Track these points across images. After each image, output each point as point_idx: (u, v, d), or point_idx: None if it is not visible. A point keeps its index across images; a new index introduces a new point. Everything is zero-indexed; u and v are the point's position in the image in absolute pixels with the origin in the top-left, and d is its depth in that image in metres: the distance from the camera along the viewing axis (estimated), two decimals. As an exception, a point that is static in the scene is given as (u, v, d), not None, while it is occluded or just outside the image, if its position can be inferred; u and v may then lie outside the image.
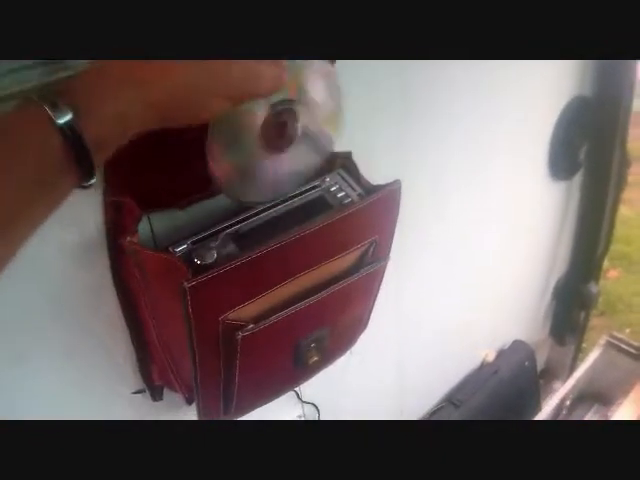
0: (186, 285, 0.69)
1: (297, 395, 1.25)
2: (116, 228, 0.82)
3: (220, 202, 0.91)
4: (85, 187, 0.54)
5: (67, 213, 0.78)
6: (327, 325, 0.90)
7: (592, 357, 2.36)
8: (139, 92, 0.53)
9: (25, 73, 0.69)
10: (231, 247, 0.78)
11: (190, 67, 0.56)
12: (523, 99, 1.59)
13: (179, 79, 0.55)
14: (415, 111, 1.25)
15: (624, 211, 2.21)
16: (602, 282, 2.35)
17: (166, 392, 1.02)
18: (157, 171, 0.80)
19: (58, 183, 0.51)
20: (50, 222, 0.75)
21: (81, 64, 0.68)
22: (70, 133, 0.49)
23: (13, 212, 0.49)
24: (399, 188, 0.85)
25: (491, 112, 1.49)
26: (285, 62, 0.65)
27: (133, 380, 0.99)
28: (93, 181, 0.53)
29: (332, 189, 0.86)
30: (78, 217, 0.80)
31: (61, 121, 0.48)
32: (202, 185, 0.82)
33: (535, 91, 1.63)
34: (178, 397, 0.99)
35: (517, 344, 2.16)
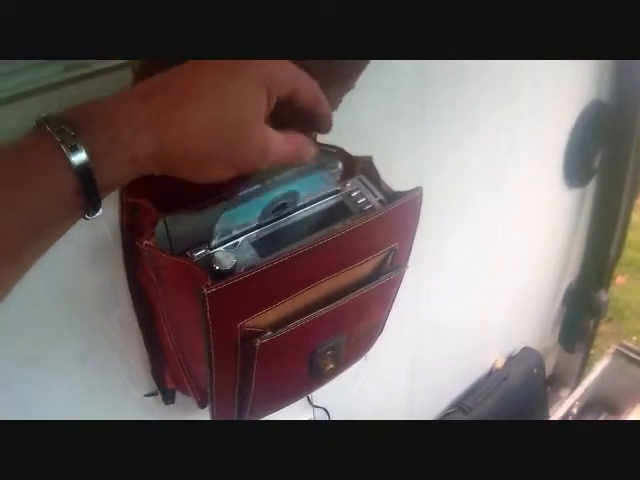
0: (205, 292, 0.68)
1: (308, 399, 1.25)
2: (132, 230, 0.81)
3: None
4: (88, 219, 0.53)
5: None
6: (344, 332, 0.89)
7: (601, 365, 2.36)
8: (155, 141, 0.52)
9: (30, 74, 0.68)
10: (250, 253, 0.77)
11: (211, 128, 0.54)
12: (540, 105, 1.59)
13: (197, 141, 0.54)
14: (433, 117, 1.25)
15: (634, 217, 2.20)
16: (610, 288, 2.34)
17: (178, 395, 1.01)
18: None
19: (64, 218, 0.51)
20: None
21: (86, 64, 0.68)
22: (84, 174, 0.48)
23: (18, 243, 0.48)
24: (420, 195, 0.84)
25: (508, 118, 1.49)
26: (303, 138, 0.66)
27: (145, 383, 0.99)
28: (98, 214, 0.52)
29: (353, 195, 0.84)
30: (94, 219, 0.79)
31: (76, 162, 0.47)
32: (219, 188, 0.82)
33: (551, 97, 1.63)
34: (190, 400, 0.98)
35: (526, 351, 2.16)
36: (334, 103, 0.86)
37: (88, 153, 0.48)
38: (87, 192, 0.49)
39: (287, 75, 0.59)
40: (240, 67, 0.56)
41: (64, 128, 0.47)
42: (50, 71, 0.69)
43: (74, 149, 0.47)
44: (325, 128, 0.69)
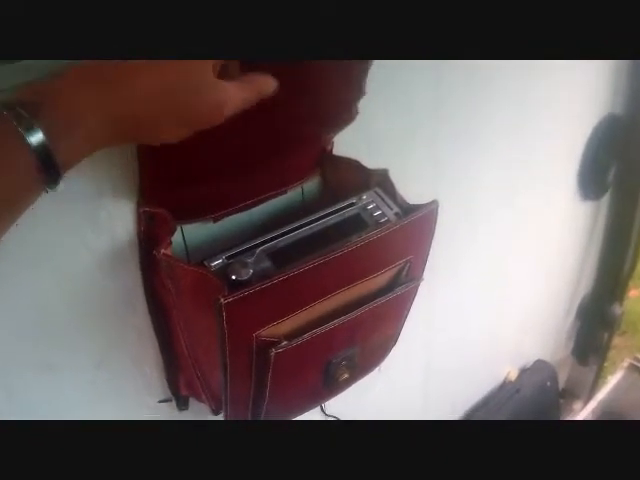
0: (222, 301, 0.68)
1: (321, 408, 1.25)
2: (149, 239, 0.82)
3: (254, 216, 0.91)
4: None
5: (99, 222, 0.78)
6: (358, 343, 0.89)
7: (614, 379, 2.34)
8: (107, 113, 0.53)
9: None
10: (267, 263, 0.78)
11: (158, 91, 0.55)
12: (554, 119, 1.58)
13: (147, 105, 0.55)
14: (448, 131, 1.25)
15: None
16: (624, 302, 2.32)
17: (192, 401, 1.01)
18: (191, 183, 0.80)
19: (26, 194, 0.51)
20: (82, 231, 0.76)
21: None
22: (43, 153, 0.49)
23: None
24: (436, 208, 0.84)
25: (522, 131, 1.49)
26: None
27: (160, 389, 0.99)
28: (59, 187, 0.52)
29: (368, 207, 0.85)
30: (111, 227, 0.80)
31: (33, 141, 0.48)
32: (236, 198, 0.82)
33: (566, 111, 1.63)
34: (204, 407, 0.98)
35: (539, 363, 2.15)
36: (350, 110, 0.86)
37: (45, 132, 0.48)
38: (47, 170, 0.50)
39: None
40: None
41: (20, 112, 0.48)
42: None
43: (31, 130, 0.48)
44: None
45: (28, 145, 0.48)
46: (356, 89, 0.84)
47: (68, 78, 0.53)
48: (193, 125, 0.60)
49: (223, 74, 0.62)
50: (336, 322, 0.81)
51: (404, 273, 0.88)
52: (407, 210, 0.85)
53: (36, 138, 0.48)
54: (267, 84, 0.66)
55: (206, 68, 0.58)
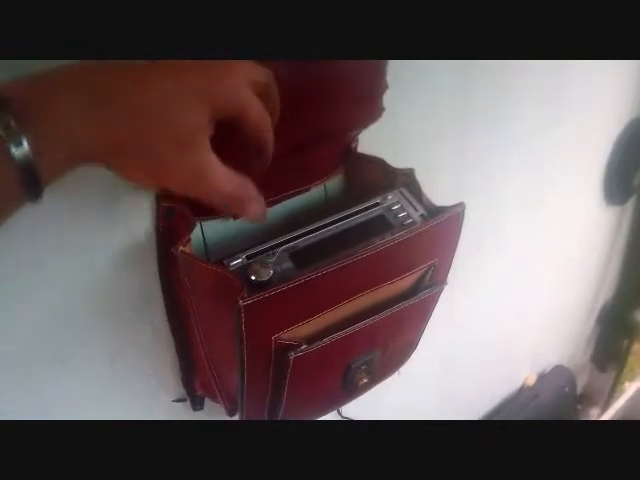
0: (241, 303, 0.66)
1: (337, 410, 1.23)
2: (167, 235, 0.80)
3: (275, 214, 0.89)
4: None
5: (117, 218, 0.77)
6: (379, 348, 0.87)
7: (633, 386, 2.32)
8: (92, 135, 0.50)
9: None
10: (288, 264, 0.76)
11: (144, 129, 0.53)
12: (580, 123, 1.57)
13: (130, 139, 0.52)
14: (474, 132, 1.23)
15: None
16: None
17: (206, 401, 1.00)
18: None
19: (6, 206, 0.49)
20: (100, 226, 0.75)
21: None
22: (26, 168, 0.47)
23: None
24: (463, 211, 0.82)
25: (548, 135, 1.47)
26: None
27: (174, 388, 0.98)
28: (39, 201, 0.50)
29: (393, 208, 0.83)
30: (128, 222, 0.79)
31: (19, 156, 0.46)
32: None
33: (592, 115, 1.61)
34: (218, 407, 0.97)
35: (558, 369, 2.13)
36: (376, 106, 0.84)
37: (31, 148, 0.46)
38: (30, 185, 0.47)
39: (236, 95, 0.57)
40: (189, 75, 0.55)
41: (10, 123, 0.46)
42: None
43: (18, 145, 0.46)
44: (263, 161, 0.65)
45: (12, 158, 0.46)
46: (379, 83, 0.81)
47: (62, 85, 0.51)
48: (165, 182, 0.57)
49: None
50: (357, 326, 0.79)
51: (428, 277, 0.86)
52: (433, 212, 0.83)
53: (21, 151, 0.46)
54: (252, 204, 0.62)
55: (200, 125, 0.55)
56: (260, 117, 0.60)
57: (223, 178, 0.57)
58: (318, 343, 0.76)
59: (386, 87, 0.83)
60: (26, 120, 0.47)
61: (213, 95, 0.55)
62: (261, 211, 0.63)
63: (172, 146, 0.54)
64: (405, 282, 0.84)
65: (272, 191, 0.84)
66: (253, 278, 0.72)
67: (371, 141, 0.92)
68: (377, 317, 0.81)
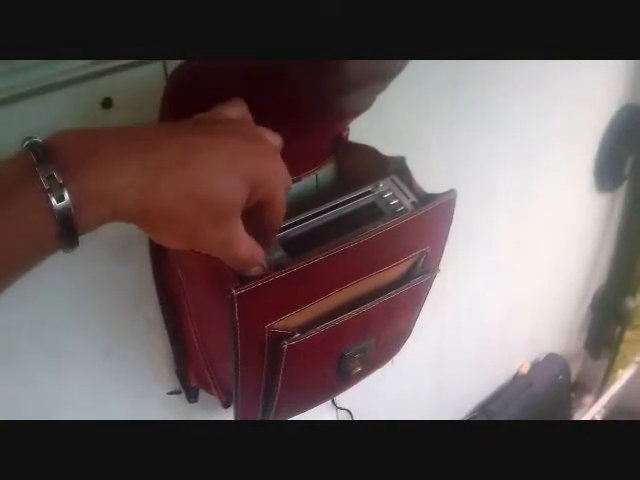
0: (234, 292, 0.66)
1: (332, 400, 1.24)
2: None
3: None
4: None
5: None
6: (372, 336, 0.87)
7: (626, 373, 2.33)
8: (138, 200, 0.50)
9: (57, 66, 0.68)
10: (280, 253, 0.75)
11: (191, 203, 0.53)
12: (571, 110, 1.58)
13: (174, 209, 0.53)
14: (464, 120, 1.24)
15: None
16: (638, 295, 2.31)
17: (201, 394, 1.00)
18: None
19: (39, 255, 0.49)
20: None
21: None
22: (65, 222, 0.46)
23: None
24: (454, 198, 0.82)
25: (539, 121, 1.48)
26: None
27: (169, 380, 0.98)
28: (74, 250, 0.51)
29: (385, 196, 0.83)
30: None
31: (60, 210, 0.46)
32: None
33: (583, 102, 1.62)
34: (213, 399, 0.97)
35: (552, 357, 2.14)
36: (368, 101, 0.85)
37: (73, 203, 0.46)
38: (66, 237, 0.48)
39: (274, 184, 0.59)
40: (241, 159, 0.55)
41: (53, 174, 0.45)
42: (76, 64, 0.68)
43: (60, 199, 0.45)
44: (266, 242, 0.67)
45: (52, 211, 0.46)
46: (384, 85, 0.82)
47: (112, 140, 0.51)
48: (198, 246, 0.59)
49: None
50: (350, 314, 0.79)
51: (420, 264, 0.86)
52: (424, 199, 0.83)
53: (62, 205, 0.46)
54: (255, 267, 0.67)
55: (240, 204, 0.56)
56: (282, 210, 0.62)
57: (245, 246, 0.61)
58: (311, 332, 0.76)
59: (387, 87, 0.83)
60: (71, 174, 0.47)
61: (259, 181, 0.56)
62: (260, 272, 0.68)
63: (211, 219, 0.55)
64: (397, 270, 0.83)
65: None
66: (246, 267, 0.72)
67: (362, 130, 0.92)
68: (370, 305, 0.81)
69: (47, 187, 0.45)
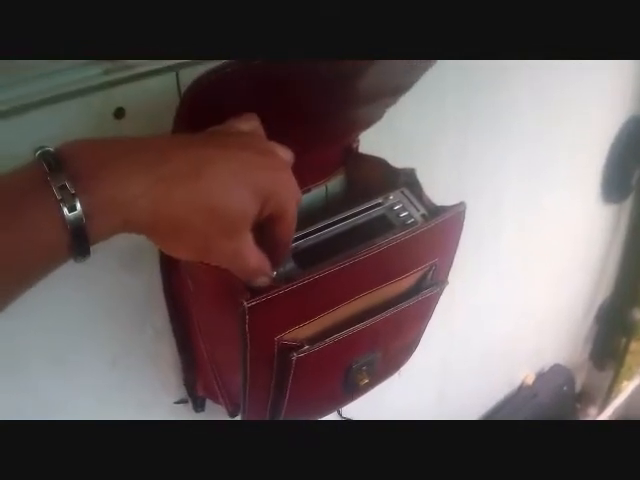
0: (245, 305, 0.66)
1: (337, 410, 1.23)
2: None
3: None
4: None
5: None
6: (380, 348, 0.87)
7: (631, 385, 2.32)
8: (149, 210, 0.51)
9: (70, 75, 0.68)
10: (290, 265, 0.75)
11: (202, 215, 0.54)
12: (579, 121, 1.57)
13: (185, 222, 0.53)
14: (474, 131, 1.24)
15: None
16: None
17: (208, 403, 1.00)
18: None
19: (50, 265, 0.49)
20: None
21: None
22: (77, 231, 0.47)
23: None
24: (464, 211, 0.82)
25: (547, 134, 1.48)
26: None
27: (176, 389, 0.98)
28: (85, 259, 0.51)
29: (395, 208, 0.83)
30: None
31: (72, 220, 0.46)
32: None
33: (591, 113, 1.62)
34: (220, 408, 0.97)
35: (557, 368, 2.13)
36: (379, 114, 0.85)
37: (85, 212, 0.46)
38: (77, 247, 0.48)
39: (285, 198, 0.59)
40: (252, 172, 0.56)
41: (65, 184, 0.46)
42: (89, 73, 0.69)
43: (72, 208, 0.46)
44: (277, 260, 0.67)
45: (64, 220, 0.46)
46: (395, 99, 0.82)
47: (124, 152, 0.51)
48: (208, 258, 0.59)
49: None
50: (359, 326, 0.79)
51: (429, 277, 0.86)
52: (434, 212, 0.83)
53: (73, 214, 0.46)
54: (262, 278, 0.66)
55: (251, 217, 0.57)
56: (293, 224, 0.63)
57: (254, 258, 0.61)
58: (320, 344, 0.76)
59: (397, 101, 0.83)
60: (83, 184, 0.47)
61: (270, 195, 0.57)
62: (267, 283, 0.67)
63: (221, 231, 0.56)
64: (406, 282, 0.84)
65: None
66: (256, 279, 0.72)
67: (372, 141, 0.92)
68: (378, 317, 0.81)
69: (59, 197, 0.45)
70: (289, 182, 0.60)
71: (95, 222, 0.47)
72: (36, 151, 0.48)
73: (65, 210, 0.45)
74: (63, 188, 0.46)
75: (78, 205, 0.46)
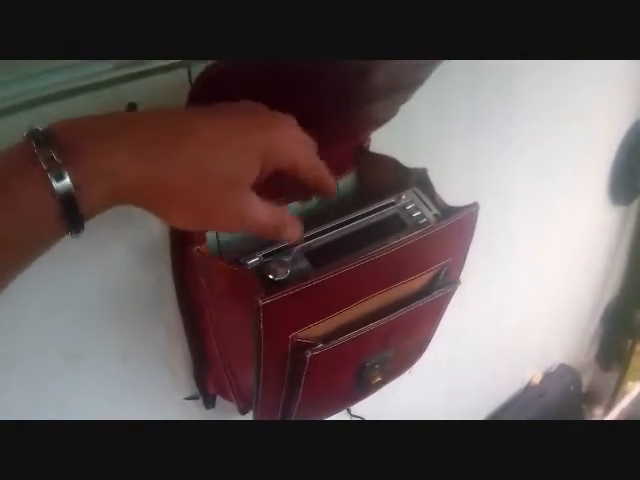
0: (260, 303, 0.66)
1: (347, 409, 1.24)
2: (182, 233, 0.80)
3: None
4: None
5: (132, 216, 0.77)
6: (392, 347, 0.87)
7: (637, 387, 2.33)
8: (137, 173, 0.51)
9: (80, 70, 0.68)
10: (304, 263, 0.76)
11: (193, 175, 0.53)
12: (587, 123, 1.57)
13: (176, 182, 0.53)
14: (483, 133, 1.24)
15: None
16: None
17: (218, 400, 1.00)
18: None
19: (46, 239, 0.50)
20: (116, 223, 0.75)
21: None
22: (67, 202, 0.47)
23: None
24: (477, 211, 0.82)
25: (555, 134, 1.48)
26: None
27: (187, 386, 0.98)
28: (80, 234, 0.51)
29: (407, 207, 0.83)
30: (143, 220, 0.79)
31: (60, 189, 0.46)
32: (270, 194, 0.80)
33: (599, 115, 1.62)
34: (230, 405, 0.97)
35: (563, 368, 2.13)
36: (391, 112, 0.85)
37: (73, 182, 0.47)
38: (70, 218, 0.48)
39: (288, 150, 0.59)
40: (242, 130, 0.56)
41: (52, 155, 0.46)
42: (100, 69, 0.69)
43: (59, 178, 0.46)
44: (326, 197, 0.68)
45: (53, 191, 0.46)
46: (406, 96, 0.82)
47: (111, 121, 0.52)
48: (210, 224, 0.59)
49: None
50: (372, 325, 0.79)
51: (441, 277, 0.86)
52: (446, 212, 0.83)
53: (62, 184, 0.47)
54: (290, 230, 0.65)
55: (250, 177, 0.57)
56: (314, 169, 0.63)
57: (263, 214, 0.60)
58: (334, 342, 0.77)
59: (409, 98, 0.83)
60: (69, 154, 0.47)
61: (267, 151, 0.57)
62: (297, 233, 0.66)
63: (218, 194, 0.55)
64: (419, 282, 0.84)
65: (284, 190, 0.84)
66: (271, 277, 0.72)
67: (383, 141, 0.92)
68: (391, 316, 0.81)
69: (46, 167, 0.46)
70: (288, 135, 0.59)
71: (85, 192, 0.48)
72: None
73: (53, 181, 0.46)
74: (50, 160, 0.46)
75: (66, 175, 0.46)
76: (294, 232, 0.65)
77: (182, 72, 0.72)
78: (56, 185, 0.46)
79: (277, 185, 0.62)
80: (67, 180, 0.46)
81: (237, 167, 0.55)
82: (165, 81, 0.73)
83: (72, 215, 0.48)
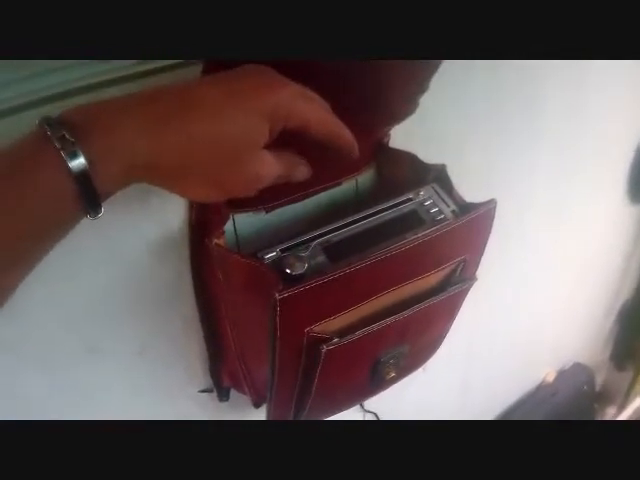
0: (277, 296, 0.67)
1: (360, 404, 1.24)
2: (200, 227, 0.81)
3: (306, 207, 0.89)
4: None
5: (151, 210, 0.77)
6: (408, 342, 0.87)
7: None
8: (150, 149, 0.52)
9: (102, 65, 0.68)
10: (322, 258, 0.76)
11: (204, 146, 0.54)
12: (605, 121, 1.56)
13: (189, 154, 0.54)
14: (503, 131, 1.24)
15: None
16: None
17: (232, 393, 1.01)
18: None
19: (65, 221, 0.51)
20: (133, 216, 0.75)
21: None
22: (82, 181, 0.48)
23: (20, 247, 0.48)
24: (494, 208, 0.82)
25: (574, 133, 1.47)
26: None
27: (201, 379, 0.99)
28: (100, 215, 0.51)
29: (425, 203, 0.83)
30: (162, 214, 0.80)
31: (75, 168, 0.47)
32: (289, 189, 0.81)
33: (617, 113, 1.60)
34: (244, 399, 0.98)
35: (577, 366, 2.12)
36: (410, 104, 0.84)
37: (87, 160, 0.47)
38: (86, 197, 0.49)
39: (295, 108, 0.58)
40: (246, 94, 0.56)
41: (64, 134, 0.47)
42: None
43: (73, 156, 0.47)
44: (347, 154, 0.68)
45: (69, 171, 0.47)
46: (421, 85, 0.81)
47: (120, 102, 0.52)
48: (228, 191, 0.59)
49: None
50: (388, 320, 0.79)
51: (458, 273, 0.86)
52: (464, 208, 0.83)
53: (76, 162, 0.47)
54: (298, 169, 0.67)
55: (259, 140, 0.57)
56: (322, 122, 0.62)
57: (276, 166, 0.61)
58: (349, 337, 0.77)
59: (427, 89, 0.82)
60: (81, 133, 0.48)
61: (274, 111, 0.57)
62: (306, 172, 0.68)
63: (228, 160, 0.56)
64: (435, 278, 0.84)
65: (304, 185, 0.84)
66: (288, 271, 0.72)
67: (403, 137, 0.92)
68: (407, 312, 0.81)
69: (59, 146, 0.47)
70: (293, 93, 0.59)
71: (99, 170, 0.48)
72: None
73: (67, 159, 0.47)
74: (63, 139, 0.47)
75: (80, 153, 0.47)
76: (303, 170, 0.68)
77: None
78: (71, 164, 0.47)
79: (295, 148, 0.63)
80: (81, 159, 0.47)
81: (245, 131, 0.56)
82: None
83: (88, 194, 0.49)
